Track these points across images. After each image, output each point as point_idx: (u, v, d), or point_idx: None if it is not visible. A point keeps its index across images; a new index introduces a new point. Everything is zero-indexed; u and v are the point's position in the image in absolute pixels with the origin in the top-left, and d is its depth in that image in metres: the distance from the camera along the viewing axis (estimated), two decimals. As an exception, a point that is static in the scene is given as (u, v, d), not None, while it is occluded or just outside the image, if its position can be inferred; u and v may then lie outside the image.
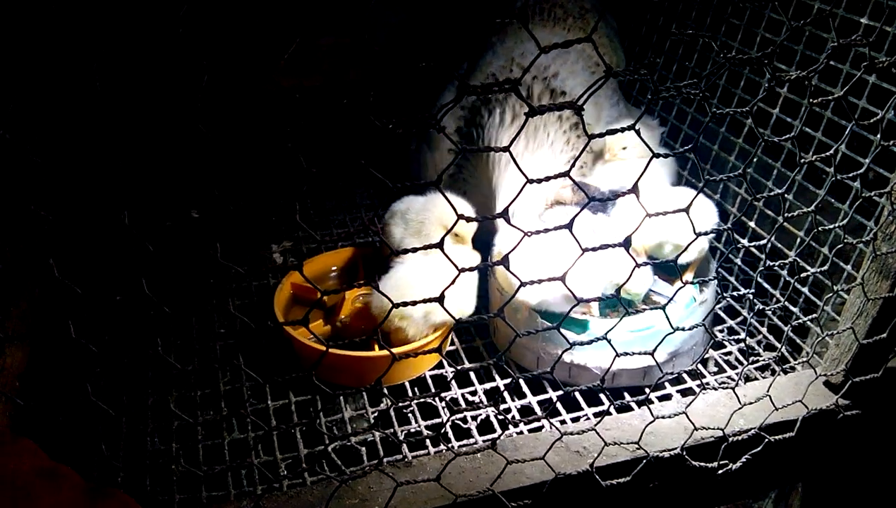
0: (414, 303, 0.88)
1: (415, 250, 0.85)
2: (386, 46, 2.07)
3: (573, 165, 0.84)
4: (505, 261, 0.86)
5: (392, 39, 2.07)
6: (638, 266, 0.91)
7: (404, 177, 1.74)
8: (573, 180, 0.84)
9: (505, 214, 0.84)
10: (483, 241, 1.51)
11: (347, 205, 2.02)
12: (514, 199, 0.88)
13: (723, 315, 1.57)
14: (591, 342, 1.00)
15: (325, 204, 2.01)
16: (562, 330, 0.94)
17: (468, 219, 0.80)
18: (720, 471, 1.16)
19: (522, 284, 0.88)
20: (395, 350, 0.89)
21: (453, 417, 1.29)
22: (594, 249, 0.87)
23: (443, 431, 1.26)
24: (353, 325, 1.46)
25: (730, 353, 1.48)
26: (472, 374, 1.40)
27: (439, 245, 0.80)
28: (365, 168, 0.76)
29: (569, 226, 0.83)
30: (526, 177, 0.80)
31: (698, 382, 1.38)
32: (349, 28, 1.95)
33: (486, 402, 1.35)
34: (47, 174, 1.54)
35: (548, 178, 0.81)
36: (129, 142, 1.72)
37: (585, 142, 0.79)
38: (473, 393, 1.37)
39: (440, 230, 1.46)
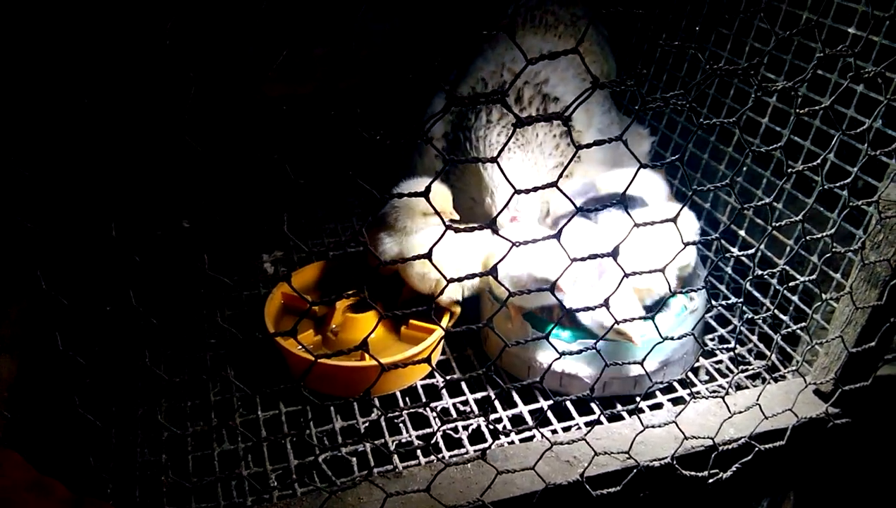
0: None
1: (403, 260, 0.85)
2: (377, 54, 2.08)
3: (561, 175, 0.84)
4: (493, 271, 0.86)
5: (384, 47, 2.07)
6: (626, 275, 0.91)
7: (395, 185, 1.74)
8: (561, 191, 0.84)
9: (493, 225, 0.84)
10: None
11: (339, 215, 2.01)
12: (503, 210, 0.88)
13: (713, 324, 1.57)
14: (580, 351, 1.01)
15: (316, 213, 2.01)
16: (551, 340, 0.94)
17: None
18: (711, 480, 1.16)
19: (511, 294, 0.88)
20: (385, 360, 0.89)
21: (444, 427, 1.29)
22: (582, 259, 0.88)
23: (433, 441, 1.26)
24: (345, 333, 1.46)
25: (721, 362, 1.48)
26: (463, 384, 1.40)
27: (427, 255, 0.80)
28: (347, 176, 0.76)
29: (557, 236, 0.83)
30: (513, 187, 0.80)
31: (689, 391, 1.38)
32: (340, 36, 1.95)
33: (477, 412, 1.34)
34: (37, 184, 1.53)
35: (536, 189, 0.81)
36: (121, 151, 1.72)
37: (574, 146, 0.79)
38: (465, 403, 1.37)
39: (414, 216, 1.48)
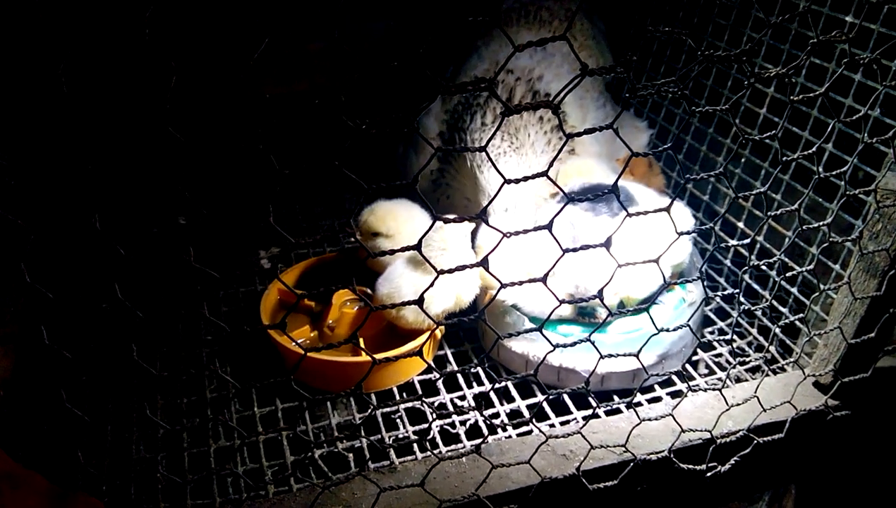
0: (394, 306, 0.88)
1: (392, 252, 0.85)
2: (373, 52, 2.07)
3: (551, 165, 0.83)
4: (485, 263, 0.85)
5: (379, 45, 2.06)
6: (620, 266, 0.90)
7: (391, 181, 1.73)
8: (552, 180, 0.83)
9: (483, 214, 0.84)
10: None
11: (336, 211, 2.00)
12: (492, 200, 0.87)
13: (713, 316, 1.56)
14: (575, 344, 1.00)
15: (313, 209, 2.00)
16: (545, 332, 0.93)
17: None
18: (709, 473, 1.15)
19: (502, 286, 0.88)
20: (377, 355, 0.88)
21: (439, 422, 1.28)
22: (574, 250, 0.87)
23: (430, 436, 1.25)
24: (342, 329, 1.45)
25: (720, 355, 1.47)
26: (460, 378, 1.39)
27: (417, 247, 0.80)
28: (340, 170, 0.75)
29: (548, 226, 0.82)
30: (503, 176, 0.79)
31: (687, 384, 1.37)
32: (334, 33, 1.95)
33: (474, 406, 1.33)
34: (33, 180, 1.53)
35: (526, 178, 0.80)
36: (117, 147, 1.72)
37: (564, 135, 0.78)
38: (462, 398, 1.36)
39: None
